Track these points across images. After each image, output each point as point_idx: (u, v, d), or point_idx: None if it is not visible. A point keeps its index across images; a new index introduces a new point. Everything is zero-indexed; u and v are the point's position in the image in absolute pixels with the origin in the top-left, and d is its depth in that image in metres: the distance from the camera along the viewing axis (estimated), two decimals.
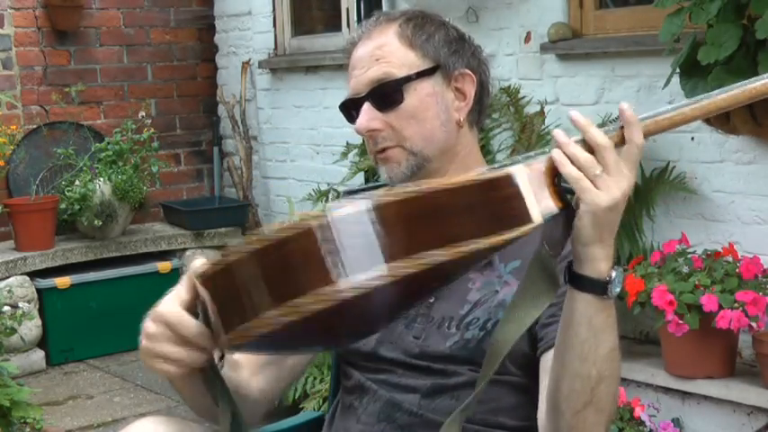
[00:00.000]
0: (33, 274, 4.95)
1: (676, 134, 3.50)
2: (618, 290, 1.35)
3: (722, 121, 3.02)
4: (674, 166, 3.51)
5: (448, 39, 1.66)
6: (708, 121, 3.11)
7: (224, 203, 5.81)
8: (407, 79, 1.62)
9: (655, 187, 3.47)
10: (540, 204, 1.28)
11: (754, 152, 3.33)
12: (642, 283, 3.10)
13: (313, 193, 4.72)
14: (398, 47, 1.63)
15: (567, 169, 1.31)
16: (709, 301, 2.95)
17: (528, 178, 1.29)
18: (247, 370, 1.64)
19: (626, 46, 3.66)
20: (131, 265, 5.28)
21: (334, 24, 5.30)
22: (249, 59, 5.67)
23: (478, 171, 1.29)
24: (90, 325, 5.08)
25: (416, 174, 1.62)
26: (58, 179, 5.22)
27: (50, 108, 5.48)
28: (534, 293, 1.33)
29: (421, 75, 1.63)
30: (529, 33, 4.05)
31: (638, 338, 3.58)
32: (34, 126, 5.41)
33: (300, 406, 3.67)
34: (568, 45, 3.88)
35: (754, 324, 2.93)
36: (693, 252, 3.19)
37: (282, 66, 5.49)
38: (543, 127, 3.84)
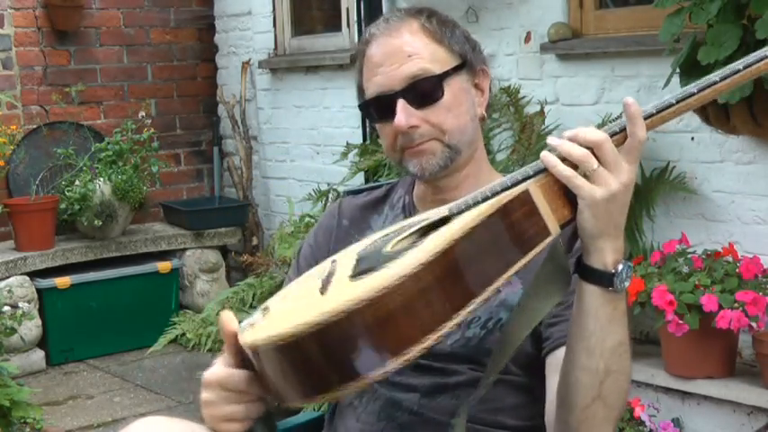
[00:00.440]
0: (33, 274, 4.96)
1: (676, 134, 3.50)
2: (626, 284, 1.36)
3: (722, 121, 3.02)
4: (674, 166, 3.51)
5: (465, 36, 1.68)
6: (708, 120, 3.11)
7: (224, 203, 5.82)
8: (445, 75, 1.62)
9: (655, 187, 3.47)
10: (555, 214, 1.32)
11: (754, 152, 3.33)
12: (642, 283, 3.10)
13: (313, 193, 4.72)
14: (428, 42, 1.63)
15: (557, 169, 1.32)
16: (709, 301, 2.95)
17: (541, 191, 1.33)
18: None
19: (626, 46, 3.66)
20: (131, 265, 5.29)
21: (334, 24, 5.31)
22: (249, 59, 5.67)
23: (490, 189, 1.33)
24: (90, 325, 5.09)
25: (449, 166, 1.64)
26: (58, 179, 5.22)
27: (50, 108, 5.48)
28: (548, 288, 1.36)
29: (454, 70, 1.64)
30: (529, 33, 4.06)
31: (638, 338, 3.58)
32: (34, 126, 5.41)
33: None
34: (568, 45, 3.88)
35: (754, 324, 2.93)
36: (693, 252, 3.19)
37: (282, 66, 5.49)
38: (543, 127, 3.84)
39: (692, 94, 1.29)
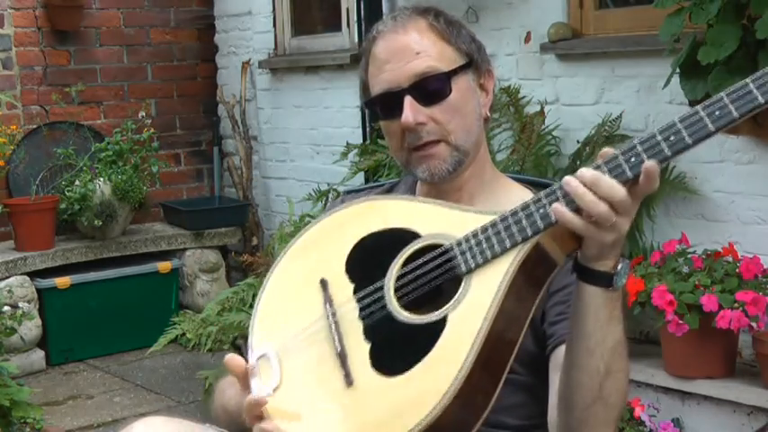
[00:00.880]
0: (33, 274, 4.95)
1: None
2: (623, 282, 1.37)
3: None
4: (674, 166, 3.51)
5: (471, 36, 1.69)
6: None
7: (224, 203, 5.82)
8: (453, 73, 1.62)
9: None
10: (562, 249, 1.37)
11: (754, 152, 3.32)
12: (642, 283, 3.10)
13: (313, 193, 4.72)
14: (436, 40, 1.63)
15: (573, 224, 1.31)
16: (709, 301, 2.95)
17: (550, 236, 1.35)
18: None
19: (626, 46, 3.66)
20: (131, 265, 5.29)
21: (334, 24, 5.30)
22: (249, 59, 5.67)
23: (497, 239, 1.36)
24: (90, 325, 5.09)
25: (457, 170, 1.64)
26: (58, 179, 5.22)
27: (50, 108, 5.48)
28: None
29: (461, 69, 1.64)
30: (529, 33, 4.05)
31: (638, 338, 3.58)
32: (34, 126, 5.41)
33: None
34: (568, 45, 3.88)
35: (754, 324, 2.93)
36: (693, 252, 3.19)
37: (282, 66, 5.48)
38: (543, 127, 3.84)
39: (711, 133, 1.26)
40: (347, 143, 4.69)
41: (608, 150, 1.32)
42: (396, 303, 1.41)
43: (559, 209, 1.30)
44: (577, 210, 1.30)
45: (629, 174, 1.28)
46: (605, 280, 1.35)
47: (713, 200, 3.45)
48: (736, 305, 2.93)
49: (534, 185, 1.75)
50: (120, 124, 5.41)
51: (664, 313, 3.01)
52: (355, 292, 1.46)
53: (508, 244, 1.35)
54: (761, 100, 1.23)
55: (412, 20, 1.64)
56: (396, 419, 1.29)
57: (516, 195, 1.69)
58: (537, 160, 3.74)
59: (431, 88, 1.60)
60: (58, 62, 5.52)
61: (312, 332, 1.45)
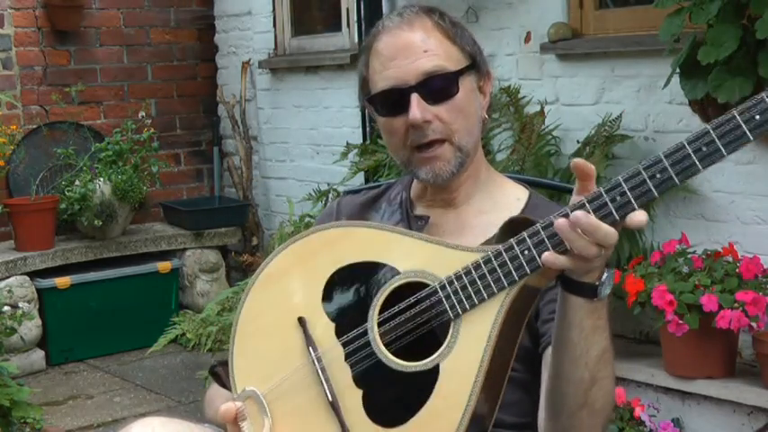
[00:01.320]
0: (33, 274, 4.95)
1: (676, 134, 3.49)
2: (608, 291, 1.36)
3: None
4: None
5: (472, 38, 1.68)
6: (708, 120, 3.11)
7: (224, 203, 5.81)
8: (461, 73, 1.61)
9: None
10: (545, 277, 1.36)
11: (754, 152, 3.32)
12: (642, 283, 3.10)
13: (313, 193, 4.72)
14: (442, 40, 1.62)
15: (565, 266, 1.31)
16: (709, 301, 2.95)
17: (538, 275, 1.35)
18: None
19: (626, 46, 3.66)
20: (131, 265, 5.28)
21: (334, 24, 5.30)
22: (249, 59, 5.67)
23: (483, 284, 1.36)
24: (90, 325, 5.08)
25: (459, 171, 1.63)
26: (58, 179, 5.22)
27: (50, 108, 5.48)
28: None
29: (466, 70, 1.63)
30: (529, 33, 4.05)
31: (638, 338, 3.58)
32: (34, 126, 5.41)
33: None
34: (568, 45, 3.88)
35: (754, 324, 2.93)
36: (693, 252, 3.19)
37: (282, 66, 5.48)
38: (543, 127, 3.83)
39: (698, 171, 1.22)
40: (347, 143, 4.69)
41: (579, 161, 1.30)
42: (383, 348, 1.40)
43: (550, 258, 1.29)
44: (564, 250, 1.29)
45: (616, 216, 1.26)
46: (590, 291, 1.34)
47: (713, 200, 3.45)
48: (736, 305, 2.93)
49: (531, 185, 1.75)
50: (120, 124, 5.40)
51: (664, 313, 3.01)
52: (337, 333, 1.44)
53: (495, 289, 1.34)
54: (750, 137, 1.19)
55: (418, 18, 1.63)
56: None
57: (512, 194, 1.70)
58: (537, 160, 3.74)
59: (438, 87, 1.59)
60: (58, 62, 5.52)
61: (298, 377, 1.43)
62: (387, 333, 1.41)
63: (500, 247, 1.35)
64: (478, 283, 1.35)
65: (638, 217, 1.25)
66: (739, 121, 1.19)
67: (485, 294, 1.35)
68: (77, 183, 5.04)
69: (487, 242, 1.52)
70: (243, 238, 5.69)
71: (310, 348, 1.43)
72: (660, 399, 3.28)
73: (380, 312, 1.42)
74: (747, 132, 1.19)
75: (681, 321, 2.99)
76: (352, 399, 1.37)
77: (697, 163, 1.22)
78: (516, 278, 1.33)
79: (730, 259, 3.12)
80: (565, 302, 1.37)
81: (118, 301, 5.17)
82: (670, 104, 3.49)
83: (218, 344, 4.20)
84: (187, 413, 4.23)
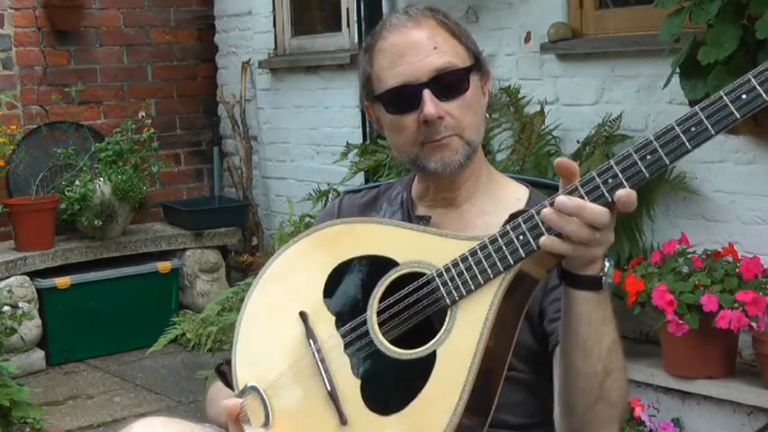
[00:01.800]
0: (33, 274, 4.95)
1: None
2: (611, 280, 1.37)
3: None
4: (674, 166, 3.50)
5: (472, 38, 1.69)
6: None
7: (224, 203, 5.81)
8: (470, 69, 1.62)
9: (655, 187, 3.47)
10: (543, 267, 1.37)
11: (754, 152, 3.32)
12: (642, 283, 3.10)
13: (313, 193, 4.72)
14: (449, 38, 1.63)
15: (562, 251, 1.31)
16: (709, 301, 2.95)
17: (532, 261, 1.35)
18: None
19: (626, 46, 3.66)
20: (131, 265, 5.28)
21: (334, 24, 5.30)
22: (249, 59, 5.67)
23: (479, 269, 1.36)
24: (90, 325, 5.08)
25: (466, 163, 1.63)
26: (58, 179, 5.22)
27: (50, 108, 5.48)
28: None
29: (473, 67, 1.64)
30: (529, 33, 4.05)
31: (638, 338, 3.58)
32: (34, 126, 5.41)
33: None
34: (568, 45, 3.88)
35: (754, 324, 2.93)
36: (693, 252, 3.19)
37: (282, 66, 5.48)
38: (543, 127, 3.83)
39: (688, 151, 1.25)
40: (347, 143, 4.69)
41: (562, 160, 1.31)
42: (381, 337, 1.41)
43: (548, 242, 1.30)
44: (560, 234, 1.30)
45: (608, 197, 1.27)
46: (595, 283, 1.35)
47: (713, 200, 3.45)
48: (736, 305, 2.93)
49: (533, 185, 1.75)
50: (120, 124, 5.40)
51: (664, 313, 3.01)
52: (337, 325, 1.45)
53: (491, 274, 1.35)
54: (737, 115, 1.22)
55: (423, 16, 1.64)
56: None
57: (513, 193, 1.70)
58: (537, 160, 3.74)
59: (450, 83, 1.60)
60: (58, 62, 5.52)
61: (298, 369, 1.44)
62: (385, 323, 1.42)
63: (496, 233, 1.36)
64: (474, 268, 1.36)
65: (624, 194, 1.26)
66: (726, 101, 1.21)
67: (481, 279, 1.35)
68: (77, 183, 5.04)
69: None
70: (243, 238, 5.69)
71: (310, 341, 1.44)
72: (660, 399, 3.28)
73: (380, 303, 1.43)
74: (734, 111, 1.21)
75: (681, 321, 2.99)
76: (350, 388, 1.38)
77: (686, 143, 1.24)
78: (511, 262, 1.33)
79: (730, 259, 3.12)
80: (571, 299, 1.37)
81: (118, 301, 5.17)
82: (670, 104, 3.49)
83: (219, 344, 4.20)
84: (187, 413, 4.23)
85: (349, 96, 4.95)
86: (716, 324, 2.94)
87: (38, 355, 4.92)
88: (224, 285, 5.52)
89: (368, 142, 4.64)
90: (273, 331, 1.49)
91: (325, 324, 1.45)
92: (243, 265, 5.15)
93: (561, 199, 1.28)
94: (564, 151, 3.86)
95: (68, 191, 5.03)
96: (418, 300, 1.41)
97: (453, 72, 1.60)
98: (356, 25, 4.96)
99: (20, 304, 4.68)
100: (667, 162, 1.26)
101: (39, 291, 4.94)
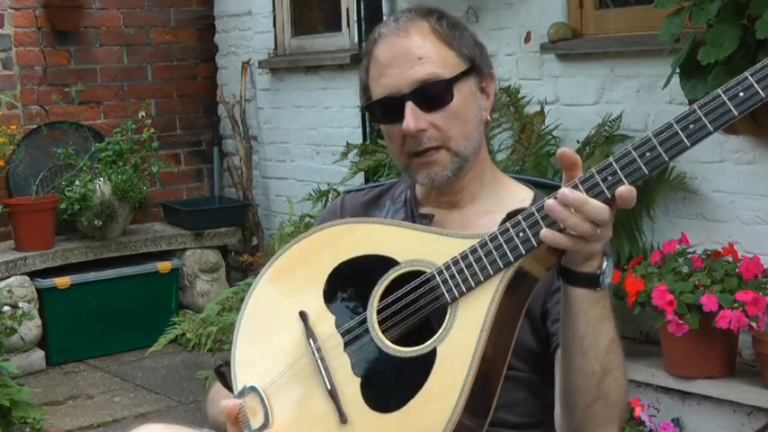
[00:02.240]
0: (33, 274, 4.95)
1: None
2: (609, 279, 1.37)
3: None
4: (674, 166, 3.50)
5: (474, 39, 1.67)
6: None
7: (224, 203, 5.81)
8: (455, 79, 1.60)
9: (655, 187, 3.47)
10: (543, 265, 1.37)
11: (754, 152, 3.32)
12: (642, 283, 3.10)
13: (313, 193, 4.72)
14: (438, 45, 1.61)
15: (562, 244, 1.31)
16: (709, 301, 2.95)
17: (532, 258, 1.35)
18: None
19: (626, 46, 3.66)
20: (131, 265, 5.28)
21: (334, 24, 5.30)
22: (249, 59, 5.67)
23: (480, 266, 1.36)
24: (90, 325, 5.08)
25: (457, 175, 1.63)
26: (58, 179, 5.22)
27: (50, 108, 5.48)
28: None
29: (464, 74, 1.62)
30: (529, 33, 4.05)
31: (638, 338, 3.58)
32: (34, 126, 5.41)
33: None
34: (568, 45, 3.88)
35: (754, 324, 2.93)
36: (693, 252, 3.19)
37: (282, 66, 5.48)
38: (543, 127, 3.83)
39: (686, 148, 1.26)
40: (347, 143, 4.69)
41: (564, 150, 1.32)
42: (381, 336, 1.40)
43: (548, 235, 1.30)
44: (560, 229, 1.30)
45: (608, 194, 1.27)
46: (592, 281, 1.35)
47: (713, 200, 3.45)
48: (736, 305, 2.93)
49: (534, 185, 1.75)
50: (120, 124, 5.40)
51: (664, 313, 3.01)
52: (337, 324, 1.44)
53: (491, 271, 1.35)
54: (734, 113, 1.22)
55: (414, 23, 1.63)
56: None
57: (518, 194, 1.69)
58: (537, 160, 3.74)
59: (432, 95, 1.59)
60: (58, 62, 5.52)
61: (298, 368, 1.44)
62: (385, 321, 1.42)
63: (496, 231, 1.36)
64: (474, 266, 1.36)
65: (625, 190, 1.26)
66: (724, 99, 1.23)
67: (481, 276, 1.35)
68: (77, 183, 5.04)
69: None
70: (243, 238, 5.69)
71: (310, 340, 1.44)
72: (660, 399, 3.28)
73: (380, 302, 1.43)
74: (732, 109, 1.22)
75: (681, 321, 2.99)
76: (350, 386, 1.38)
77: (685, 140, 1.25)
78: (512, 259, 1.34)
79: (730, 259, 3.12)
80: (569, 295, 1.37)
81: (118, 301, 5.17)
82: (670, 104, 3.49)
83: (218, 344, 4.20)
84: (187, 413, 4.23)
85: (349, 96, 4.95)
86: (716, 324, 2.94)
87: (38, 355, 4.92)
88: (224, 285, 5.52)
89: (368, 142, 4.64)
90: (273, 331, 1.49)
91: (325, 323, 1.45)
92: (243, 265, 5.15)
93: (564, 191, 1.28)
94: None
95: (68, 191, 5.03)
96: (418, 298, 1.41)
97: (436, 83, 1.58)
98: (356, 25, 4.96)
99: (20, 304, 4.68)
100: (666, 159, 1.26)
101: (39, 291, 4.94)
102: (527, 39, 4.06)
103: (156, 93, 5.89)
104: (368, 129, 4.76)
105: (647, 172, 1.26)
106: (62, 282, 5.01)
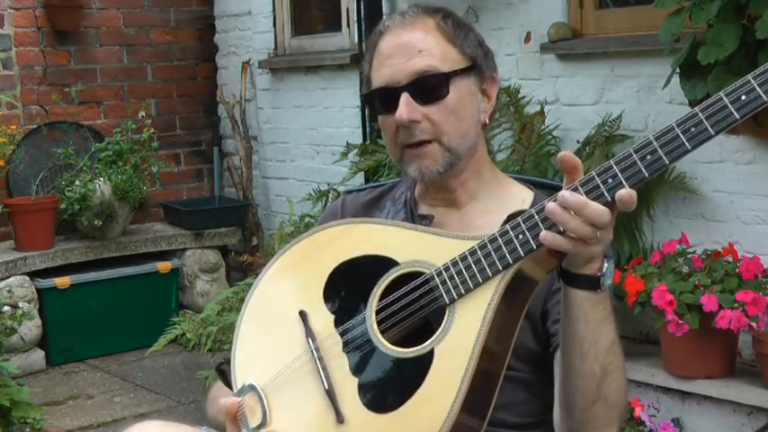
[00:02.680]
0: (33, 274, 4.95)
1: None
2: (610, 281, 1.37)
3: None
4: (674, 167, 3.50)
5: (479, 40, 1.68)
6: None
7: (224, 203, 5.81)
8: (453, 74, 1.61)
9: (655, 187, 3.47)
10: (543, 269, 1.37)
11: (754, 152, 3.32)
12: (642, 283, 3.10)
13: (313, 193, 4.72)
14: (440, 41, 1.62)
15: (562, 247, 1.31)
16: (709, 301, 2.95)
17: (532, 261, 1.35)
18: None
19: (626, 46, 3.66)
20: (131, 265, 5.28)
21: (334, 24, 5.30)
22: (249, 59, 5.67)
23: (479, 268, 1.36)
24: (90, 325, 5.08)
25: (448, 171, 1.63)
26: (58, 179, 5.22)
27: (50, 108, 5.48)
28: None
29: (463, 72, 1.63)
30: (529, 33, 4.05)
31: (638, 338, 3.58)
32: (34, 126, 5.41)
33: None
34: (568, 45, 3.88)
35: (754, 324, 2.93)
36: (693, 252, 3.19)
37: (282, 66, 5.48)
38: (543, 127, 3.84)
39: (687, 151, 1.25)
40: (347, 143, 4.69)
41: (565, 153, 1.31)
42: (380, 336, 1.41)
43: (548, 237, 1.29)
44: (561, 231, 1.30)
45: (608, 197, 1.27)
46: (592, 283, 1.35)
47: (713, 200, 3.45)
48: (736, 305, 2.93)
49: (535, 185, 1.75)
50: (120, 124, 5.40)
51: (664, 313, 3.01)
52: (336, 324, 1.45)
53: (490, 273, 1.34)
54: (736, 116, 1.21)
55: (420, 18, 1.64)
56: None
57: (518, 195, 1.69)
58: (537, 160, 3.74)
59: (428, 87, 1.60)
60: (58, 62, 5.52)
61: (296, 368, 1.44)
62: (384, 322, 1.42)
63: (495, 232, 1.36)
64: (473, 267, 1.36)
65: (626, 194, 1.26)
66: (726, 102, 1.21)
67: (479, 278, 1.35)
68: (77, 183, 5.04)
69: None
70: (243, 238, 5.69)
71: (309, 339, 1.44)
72: (660, 399, 3.28)
73: (379, 303, 1.44)
74: (734, 112, 1.21)
75: (681, 321, 2.99)
76: (348, 386, 1.38)
77: (686, 143, 1.24)
78: (510, 261, 1.33)
79: (730, 259, 3.12)
80: (569, 297, 1.37)
81: (118, 301, 5.17)
82: (670, 104, 3.49)
83: (218, 344, 4.20)
84: (187, 413, 4.23)
85: (349, 96, 4.95)
86: (716, 324, 2.94)
87: (38, 355, 4.92)
88: (224, 285, 5.52)
89: (368, 142, 4.64)
90: (273, 331, 1.49)
91: (324, 323, 1.45)
92: (243, 265, 5.15)
93: (564, 194, 1.28)
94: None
95: (68, 191, 5.03)
96: (416, 299, 1.41)
97: (433, 76, 1.59)
98: (356, 25, 4.96)
99: (20, 304, 4.68)
100: (667, 162, 1.26)
101: (39, 291, 4.94)
102: (527, 39, 4.06)
103: (156, 93, 5.89)
104: (368, 129, 4.76)
105: (647, 175, 1.26)
106: (62, 282, 5.01)
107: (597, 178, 1.28)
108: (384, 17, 1.74)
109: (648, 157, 1.26)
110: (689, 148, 1.25)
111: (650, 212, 3.52)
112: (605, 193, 1.27)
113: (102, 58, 5.70)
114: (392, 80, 1.61)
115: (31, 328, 4.73)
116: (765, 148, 3.28)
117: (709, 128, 1.23)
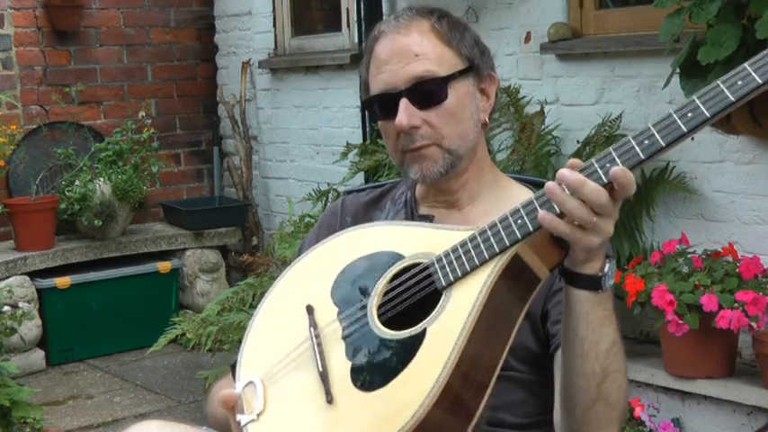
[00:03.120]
0: (33, 274, 4.95)
1: None
2: (611, 282, 1.36)
3: (722, 121, 3.01)
4: (674, 167, 3.51)
5: (475, 39, 1.68)
6: None
7: (224, 203, 5.81)
8: (451, 77, 1.61)
9: (655, 187, 3.47)
10: (544, 262, 1.36)
11: (754, 152, 3.33)
12: (642, 283, 3.10)
13: (313, 193, 4.72)
14: (437, 44, 1.62)
15: (559, 229, 1.30)
16: (709, 301, 2.95)
17: (530, 248, 1.34)
18: None
19: (626, 46, 3.66)
20: (131, 265, 5.29)
21: (334, 24, 5.30)
22: (249, 59, 5.67)
23: (476, 252, 1.35)
24: (90, 325, 5.09)
25: (449, 172, 1.63)
26: (58, 179, 5.22)
27: (50, 108, 5.48)
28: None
29: (460, 74, 1.63)
30: (529, 33, 4.05)
31: (638, 338, 3.58)
32: (34, 126, 5.41)
33: None
34: (568, 45, 3.88)
35: (754, 324, 2.93)
36: (693, 252, 3.19)
37: (282, 66, 5.48)
38: (543, 127, 3.84)
39: (684, 134, 1.26)
40: (347, 143, 4.69)
41: (576, 161, 1.31)
42: (377, 321, 1.41)
43: (546, 217, 1.29)
44: (560, 215, 1.29)
45: (605, 179, 1.27)
46: (594, 283, 1.35)
47: (713, 200, 3.45)
48: (736, 305, 2.93)
49: (535, 185, 1.75)
50: (120, 124, 5.41)
51: (664, 313, 3.01)
52: (339, 314, 1.46)
53: (487, 255, 1.34)
54: (731, 98, 1.23)
55: (414, 21, 1.64)
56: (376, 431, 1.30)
57: (519, 196, 1.69)
58: (537, 160, 3.74)
59: (427, 92, 1.60)
60: (58, 62, 5.52)
61: (296, 355, 1.45)
62: (384, 309, 1.43)
63: (495, 219, 1.36)
64: (472, 251, 1.36)
65: (619, 170, 1.25)
66: (722, 88, 1.23)
67: (477, 261, 1.35)
68: (77, 183, 5.04)
69: None
70: (243, 238, 5.69)
71: (311, 328, 1.45)
72: (660, 399, 3.28)
73: (383, 295, 1.45)
74: (729, 95, 1.23)
75: (681, 321, 2.99)
76: (341, 368, 1.38)
77: (682, 126, 1.25)
78: (507, 243, 1.33)
79: (730, 259, 3.12)
80: (570, 297, 1.37)
81: (118, 301, 5.17)
82: (670, 104, 3.49)
83: (219, 344, 4.20)
84: (187, 413, 4.23)
85: (349, 96, 4.95)
86: (716, 324, 2.94)
87: (38, 355, 4.92)
88: (224, 285, 5.52)
89: (368, 142, 4.64)
90: (281, 327, 1.51)
91: (328, 314, 1.46)
92: (243, 265, 5.14)
93: (563, 171, 1.28)
94: (564, 151, 3.86)
95: (68, 191, 5.03)
96: (414, 285, 1.41)
97: (431, 80, 1.59)
98: (356, 25, 4.96)
99: (20, 304, 4.68)
100: (663, 144, 1.26)
101: (39, 291, 4.94)
102: (527, 39, 4.06)
103: (156, 93, 5.89)
104: (368, 129, 4.76)
105: (643, 157, 1.26)
106: (62, 282, 5.01)
107: (596, 163, 1.29)
108: (383, 18, 1.73)
109: (646, 141, 1.27)
110: (684, 130, 1.24)
111: (650, 212, 3.52)
112: (602, 175, 1.27)
113: (102, 58, 5.70)
114: (390, 86, 1.61)
115: (31, 328, 4.73)
116: (765, 148, 3.28)
117: (705, 111, 1.24)
